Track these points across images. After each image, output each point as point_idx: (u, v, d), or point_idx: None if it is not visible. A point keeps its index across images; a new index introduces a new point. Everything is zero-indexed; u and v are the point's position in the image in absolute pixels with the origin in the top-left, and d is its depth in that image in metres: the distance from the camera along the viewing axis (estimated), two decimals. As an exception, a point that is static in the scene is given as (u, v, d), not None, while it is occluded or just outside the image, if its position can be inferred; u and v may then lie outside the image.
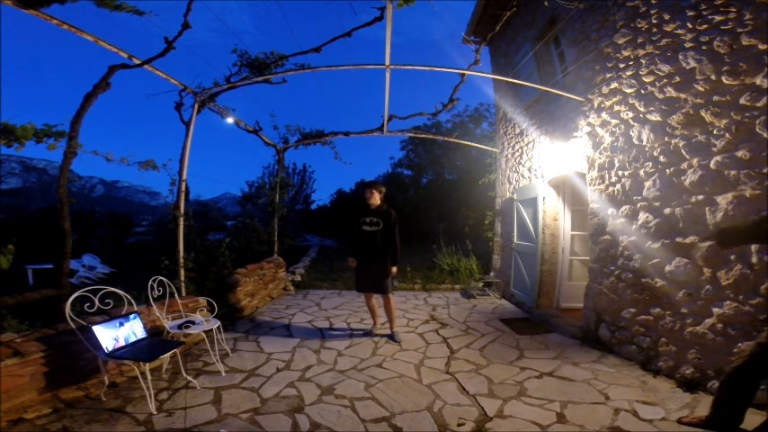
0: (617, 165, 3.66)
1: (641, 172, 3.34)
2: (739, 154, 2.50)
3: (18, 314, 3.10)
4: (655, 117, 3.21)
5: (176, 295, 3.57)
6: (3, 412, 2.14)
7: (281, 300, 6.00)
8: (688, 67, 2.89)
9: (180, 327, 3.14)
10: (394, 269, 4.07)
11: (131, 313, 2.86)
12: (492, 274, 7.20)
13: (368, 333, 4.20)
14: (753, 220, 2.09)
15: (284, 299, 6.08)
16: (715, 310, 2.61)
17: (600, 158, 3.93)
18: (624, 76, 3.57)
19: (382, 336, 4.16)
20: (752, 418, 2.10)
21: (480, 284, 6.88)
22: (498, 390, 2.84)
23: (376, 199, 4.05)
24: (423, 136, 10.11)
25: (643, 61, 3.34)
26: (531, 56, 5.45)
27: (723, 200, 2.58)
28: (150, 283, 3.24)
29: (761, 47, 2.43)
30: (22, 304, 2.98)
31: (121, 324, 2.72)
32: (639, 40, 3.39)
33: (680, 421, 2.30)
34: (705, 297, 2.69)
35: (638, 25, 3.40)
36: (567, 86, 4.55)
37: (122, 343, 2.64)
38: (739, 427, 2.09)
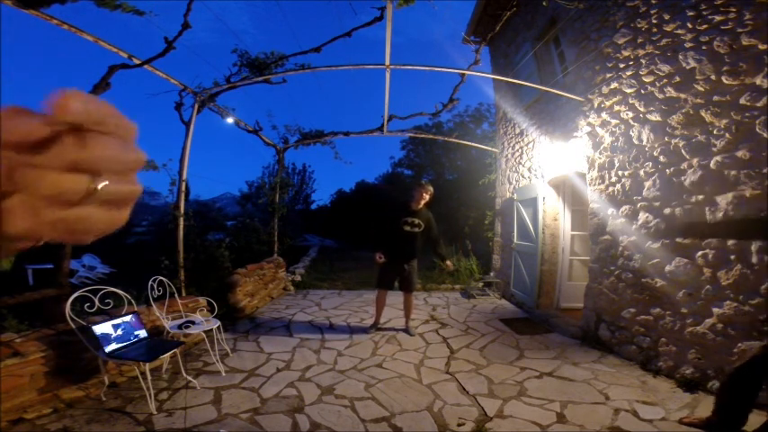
0: (617, 165, 3.66)
1: (641, 172, 3.34)
2: (739, 154, 2.50)
3: (18, 314, 3.10)
4: (655, 117, 3.21)
5: (176, 295, 3.57)
6: (3, 412, 2.14)
7: (281, 300, 6.00)
8: (688, 67, 2.89)
9: (180, 327, 3.13)
10: (449, 263, 4.33)
11: (131, 313, 2.86)
12: (492, 274, 7.19)
13: (367, 331, 4.20)
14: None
15: (284, 299, 6.07)
16: (715, 310, 2.61)
17: (600, 158, 3.93)
18: (624, 76, 3.57)
19: (393, 330, 4.27)
20: (754, 419, 2.09)
21: (480, 284, 6.87)
22: (498, 390, 2.84)
23: (424, 200, 4.02)
24: (423, 136, 10.11)
25: (643, 61, 3.34)
26: (531, 56, 5.45)
27: (723, 200, 2.58)
28: (150, 283, 3.24)
29: (761, 47, 2.43)
30: (22, 304, 2.98)
31: (121, 324, 2.72)
32: (639, 40, 3.39)
33: (681, 422, 2.30)
34: (705, 297, 2.69)
35: (638, 25, 3.40)
36: (567, 86, 4.55)
37: (122, 343, 2.64)
38: (742, 429, 2.08)
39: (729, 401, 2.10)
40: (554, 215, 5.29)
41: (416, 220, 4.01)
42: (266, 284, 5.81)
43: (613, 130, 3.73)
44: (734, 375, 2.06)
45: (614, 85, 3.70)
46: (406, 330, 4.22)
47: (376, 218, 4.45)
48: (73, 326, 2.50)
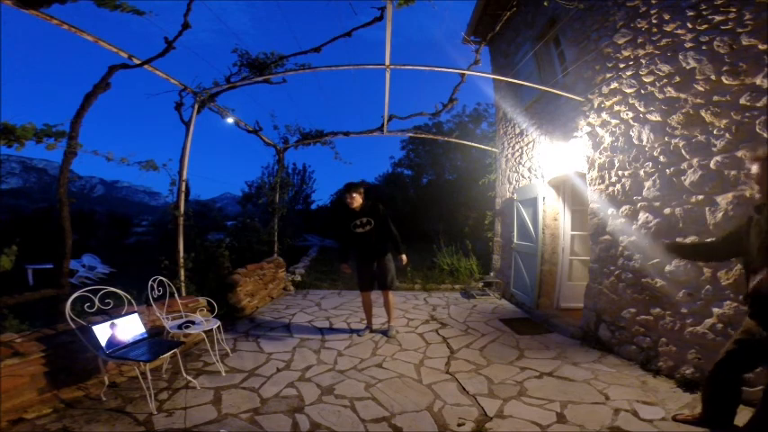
0: (617, 165, 3.66)
1: (641, 172, 3.34)
2: (739, 154, 2.50)
3: (18, 314, 3.10)
4: (655, 117, 3.21)
5: (176, 295, 3.57)
6: (3, 412, 2.14)
7: (281, 300, 6.00)
8: (688, 67, 2.89)
9: (180, 327, 3.14)
10: (404, 257, 4.10)
11: (131, 313, 2.86)
12: (492, 274, 7.19)
13: (360, 334, 4.18)
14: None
15: (284, 299, 6.07)
16: (715, 310, 2.61)
17: (600, 158, 3.93)
18: (624, 76, 3.57)
19: (379, 332, 4.23)
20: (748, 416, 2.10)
21: (480, 284, 6.88)
22: (498, 390, 2.84)
23: (357, 201, 4.02)
24: (423, 136, 10.11)
25: (643, 61, 3.34)
26: (531, 56, 5.45)
27: (723, 200, 2.58)
28: (150, 283, 3.24)
29: (761, 47, 2.43)
30: (22, 304, 2.98)
31: (121, 324, 2.72)
32: (639, 40, 3.39)
33: (674, 419, 2.31)
34: (705, 297, 2.69)
35: (638, 25, 3.40)
36: (567, 86, 4.55)
37: (122, 343, 2.64)
38: (732, 423, 2.10)
39: (715, 397, 2.12)
40: (554, 215, 5.29)
41: (363, 219, 4.02)
42: (266, 284, 5.81)
43: (613, 130, 3.73)
44: (714, 370, 2.09)
45: (614, 85, 3.70)
46: (385, 332, 4.15)
47: (335, 229, 4.39)
48: (73, 326, 2.50)
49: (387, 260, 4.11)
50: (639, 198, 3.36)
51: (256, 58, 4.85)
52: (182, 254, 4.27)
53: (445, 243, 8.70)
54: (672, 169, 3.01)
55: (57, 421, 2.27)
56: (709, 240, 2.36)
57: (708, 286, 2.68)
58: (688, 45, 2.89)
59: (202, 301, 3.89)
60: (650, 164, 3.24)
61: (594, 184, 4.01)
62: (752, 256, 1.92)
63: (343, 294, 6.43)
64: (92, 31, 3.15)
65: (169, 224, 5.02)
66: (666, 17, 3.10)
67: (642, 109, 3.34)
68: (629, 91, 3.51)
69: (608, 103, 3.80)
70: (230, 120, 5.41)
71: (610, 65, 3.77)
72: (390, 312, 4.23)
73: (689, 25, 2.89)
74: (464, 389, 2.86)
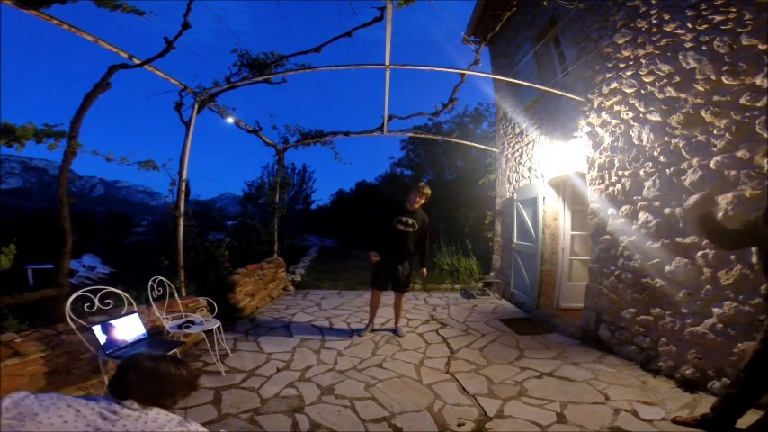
0: (617, 165, 3.66)
1: (641, 172, 3.34)
2: (739, 154, 2.51)
3: (18, 314, 3.10)
4: (655, 117, 3.21)
5: (176, 295, 3.57)
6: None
7: (281, 300, 6.00)
8: (688, 67, 2.89)
9: (180, 327, 3.13)
10: (425, 270, 4.23)
11: (131, 313, 2.85)
12: (492, 274, 7.19)
13: (360, 334, 4.17)
14: (747, 220, 2.09)
15: (284, 299, 6.07)
16: (715, 310, 2.61)
17: (600, 158, 3.93)
18: (624, 76, 3.57)
19: (386, 331, 4.25)
20: (749, 418, 2.09)
21: (480, 284, 6.88)
22: (498, 390, 2.84)
23: (420, 203, 4.00)
24: (423, 136, 10.10)
25: (643, 61, 3.34)
26: (531, 56, 5.46)
27: (723, 200, 2.58)
28: (150, 283, 3.24)
29: (761, 47, 2.43)
30: (22, 304, 2.97)
31: (121, 324, 2.71)
32: (639, 40, 3.39)
33: (674, 420, 2.30)
34: (705, 297, 2.69)
35: (638, 25, 3.40)
36: (567, 86, 4.55)
37: (123, 343, 2.64)
38: (734, 426, 2.08)
39: (736, 399, 2.07)
40: (554, 215, 5.29)
41: (411, 220, 4.00)
42: (266, 284, 5.81)
43: (613, 130, 3.73)
44: (743, 371, 2.04)
45: (614, 85, 3.70)
46: (395, 331, 4.22)
47: (372, 217, 4.42)
48: (73, 326, 2.49)
49: (410, 265, 4.17)
50: (639, 198, 3.36)
51: (256, 58, 4.85)
52: (182, 254, 4.27)
53: (445, 243, 8.69)
54: (672, 169, 3.01)
55: (57, 421, 2.27)
56: (731, 228, 2.28)
57: (708, 286, 2.68)
58: (688, 45, 2.89)
59: (202, 301, 3.89)
60: (650, 164, 3.24)
61: (594, 184, 4.01)
62: None
63: (343, 294, 6.43)
64: (92, 31, 3.15)
65: (169, 224, 5.02)
66: (666, 17, 3.10)
67: (642, 109, 3.34)
68: (629, 91, 3.51)
69: (608, 103, 3.80)
70: (230, 120, 5.41)
71: (610, 65, 3.77)
72: (399, 314, 4.31)
73: (689, 25, 2.89)
74: (464, 389, 2.86)
